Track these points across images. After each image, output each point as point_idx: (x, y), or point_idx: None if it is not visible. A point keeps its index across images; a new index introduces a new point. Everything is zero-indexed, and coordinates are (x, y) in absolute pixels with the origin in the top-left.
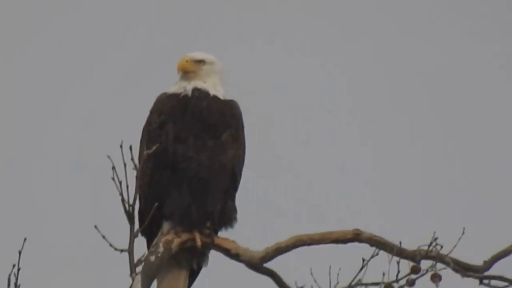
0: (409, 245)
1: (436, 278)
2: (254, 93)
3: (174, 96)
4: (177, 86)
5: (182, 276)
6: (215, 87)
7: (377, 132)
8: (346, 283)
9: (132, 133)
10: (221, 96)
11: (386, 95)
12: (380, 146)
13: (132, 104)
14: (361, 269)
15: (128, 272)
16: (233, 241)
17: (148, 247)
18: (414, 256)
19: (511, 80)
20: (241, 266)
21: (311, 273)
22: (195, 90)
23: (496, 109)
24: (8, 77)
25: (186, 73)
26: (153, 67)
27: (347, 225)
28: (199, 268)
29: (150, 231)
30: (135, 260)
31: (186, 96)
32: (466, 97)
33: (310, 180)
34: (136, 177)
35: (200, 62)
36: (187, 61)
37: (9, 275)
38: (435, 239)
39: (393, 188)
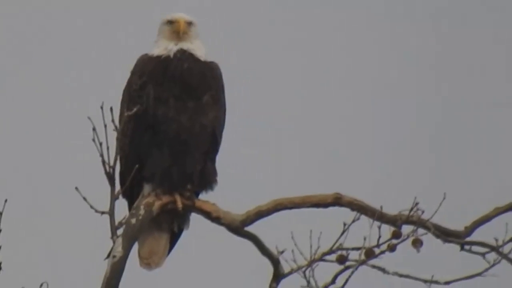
0: (390, 210)
1: (417, 243)
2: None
3: (155, 58)
4: (162, 47)
5: (163, 239)
6: (200, 48)
7: (358, 93)
8: (327, 248)
9: (113, 95)
10: (202, 58)
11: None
12: (360, 108)
13: (113, 64)
14: (342, 233)
15: (109, 234)
16: (214, 204)
17: (129, 209)
18: (395, 221)
19: None
20: (222, 229)
21: (292, 237)
22: (179, 51)
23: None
24: None
25: (185, 35)
26: (132, 25)
27: (328, 189)
28: (180, 231)
29: (131, 194)
30: (116, 222)
31: (167, 57)
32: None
33: (291, 142)
34: (117, 139)
35: (190, 23)
36: (185, 23)
37: None
38: (416, 204)
39: (374, 152)
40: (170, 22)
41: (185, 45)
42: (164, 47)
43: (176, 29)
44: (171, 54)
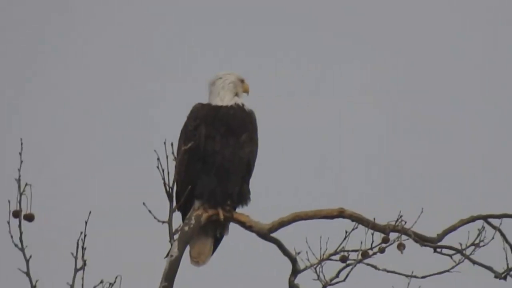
0: (381, 220)
1: (401, 246)
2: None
3: (207, 105)
4: (226, 98)
5: (208, 242)
6: (244, 101)
7: (345, 116)
8: (333, 250)
9: (173, 134)
10: (245, 108)
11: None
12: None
13: (172, 111)
14: (344, 239)
15: (168, 239)
16: (247, 216)
17: (183, 219)
18: (385, 229)
19: None
20: (253, 235)
21: (306, 242)
22: (237, 103)
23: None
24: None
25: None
26: (190, 78)
27: (334, 204)
28: (222, 236)
29: (184, 208)
30: (173, 230)
31: (220, 105)
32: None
33: (293, 171)
34: (175, 167)
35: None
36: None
37: (78, 240)
38: (401, 216)
39: (369, 173)
40: (242, 81)
41: (240, 100)
42: (231, 99)
43: (247, 90)
44: (230, 104)
